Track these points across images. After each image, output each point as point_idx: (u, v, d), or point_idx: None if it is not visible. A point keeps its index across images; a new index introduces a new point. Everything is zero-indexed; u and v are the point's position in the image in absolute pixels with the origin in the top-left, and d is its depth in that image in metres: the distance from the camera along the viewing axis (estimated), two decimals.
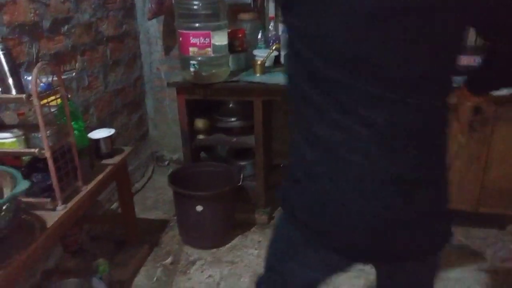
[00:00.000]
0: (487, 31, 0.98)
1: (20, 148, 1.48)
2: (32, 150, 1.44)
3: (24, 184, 1.26)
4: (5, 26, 1.71)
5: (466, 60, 1.99)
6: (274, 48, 2.38)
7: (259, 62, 2.32)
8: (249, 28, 2.55)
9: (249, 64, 2.44)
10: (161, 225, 2.55)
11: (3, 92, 1.40)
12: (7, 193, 1.29)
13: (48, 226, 1.43)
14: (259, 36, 2.53)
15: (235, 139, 2.54)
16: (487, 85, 1.13)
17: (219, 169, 2.49)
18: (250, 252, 2.31)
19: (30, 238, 1.36)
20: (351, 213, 0.94)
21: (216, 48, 2.21)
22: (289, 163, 1.06)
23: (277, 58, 2.46)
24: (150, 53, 3.00)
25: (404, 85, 0.88)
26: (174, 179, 2.31)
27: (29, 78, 1.42)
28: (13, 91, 1.39)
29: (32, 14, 1.86)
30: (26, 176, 1.39)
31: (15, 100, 1.48)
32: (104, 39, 2.48)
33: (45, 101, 1.44)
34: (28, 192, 1.38)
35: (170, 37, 2.89)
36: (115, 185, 2.20)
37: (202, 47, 2.19)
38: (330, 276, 1.16)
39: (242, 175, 2.48)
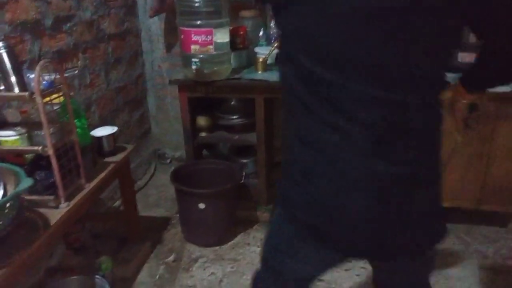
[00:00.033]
0: (481, 29, 0.98)
1: (23, 146, 1.48)
2: (35, 148, 1.44)
3: (27, 182, 1.26)
4: (7, 24, 1.71)
5: (468, 58, 1.98)
6: (275, 45, 2.38)
7: (260, 60, 2.32)
8: (250, 26, 2.55)
9: (250, 61, 2.44)
10: (163, 223, 2.55)
11: (6, 90, 1.40)
12: (10, 190, 1.30)
13: (51, 224, 1.43)
14: (261, 34, 2.53)
15: (237, 136, 2.54)
16: (482, 82, 1.14)
17: (221, 166, 2.49)
18: (252, 250, 2.31)
19: (34, 235, 1.36)
20: (349, 212, 0.95)
21: (217, 46, 2.21)
22: (285, 162, 1.07)
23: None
24: (152, 51, 3.00)
25: (401, 85, 0.89)
26: (176, 177, 2.31)
27: (32, 76, 1.42)
28: (16, 89, 1.39)
29: (34, 12, 1.86)
30: (29, 174, 1.39)
31: (18, 98, 1.48)
32: (106, 37, 2.48)
33: (47, 99, 1.45)
34: (31, 190, 1.39)
35: (172, 35, 2.88)
36: (117, 183, 2.20)
37: (203, 44, 2.19)
38: (325, 271, 1.18)
39: (244, 172, 2.48)
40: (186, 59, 2.27)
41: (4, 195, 1.27)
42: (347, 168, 0.93)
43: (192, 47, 2.20)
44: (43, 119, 1.39)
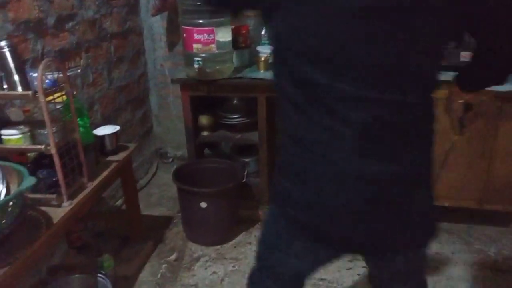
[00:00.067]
0: (480, 29, 0.99)
1: (26, 144, 1.49)
2: (38, 146, 1.45)
3: (30, 180, 1.27)
4: (10, 23, 1.71)
5: (469, 57, 1.98)
6: None
7: (263, 59, 2.31)
8: (252, 24, 2.55)
9: (253, 60, 2.44)
10: (165, 222, 2.56)
11: (9, 89, 1.40)
12: (13, 189, 1.30)
13: (53, 222, 1.44)
14: (263, 32, 2.53)
15: (239, 135, 2.54)
16: (476, 82, 1.15)
17: (223, 165, 2.49)
18: (254, 249, 2.29)
19: (36, 234, 1.37)
20: (339, 211, 0.97)
21: (220, 45, 2.21)
22: (279, 160, 1.08)
23: None
24: (154, 50, 3.00)
25: (392, 85, 0.89)
26: (178, 176, 2.32)
27: (35, 75, 1.42)
28: (19, 88, 1.40)
29: (36, 11, 1.86)
30: (32, 173, 1.40)
31: (21, 97, 1.49)
32: (108, 35, 2.48)
33: (50, 97, 1.45)
34: (34, 189, 1.39)
35: (174, 34, 2.88)
36: (119, 182, 2.21)
37: (206, 43, 2.19)
38: (318, 266, 1.20)
39: (246, 171, 2.48)
40: (188, 58, 2.27)
41: (7, 193, 1.27)
42: (338, 168, 0.94)
43: (194, 46, 2.20)
44: (46, 118, 1.40)
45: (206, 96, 2.38)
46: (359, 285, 2.04)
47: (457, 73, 1.17)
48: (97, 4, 2.34)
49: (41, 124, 1.46)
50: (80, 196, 1.60)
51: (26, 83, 1.41)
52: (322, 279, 2.06)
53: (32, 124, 1.52)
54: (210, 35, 2.17)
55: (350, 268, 2.10)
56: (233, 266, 2.18)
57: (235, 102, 2.66)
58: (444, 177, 2.26)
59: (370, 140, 0.92)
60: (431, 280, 2.02)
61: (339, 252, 1.14)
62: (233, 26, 2.34)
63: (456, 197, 2.32)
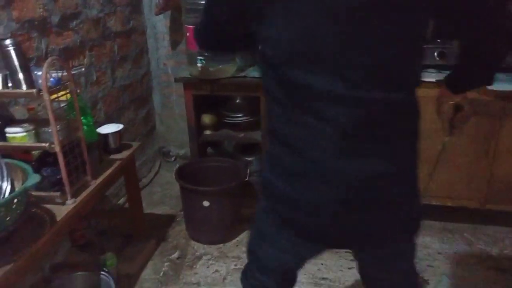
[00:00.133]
0: (454, 26, 1.01)
1: (30, 142, 1.49)
2: (43, 144, 1.45)
3: (35, 178, 1.27)
4: (15, 22, 1.72)
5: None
6: None
7: None
8: None
9: (256, 59, 2.44)
10: (168, 220, 2.56)
11: (14, 87, 1.41)
12: (18, 186, 1.30)
13: (57, 220, 1.44)
14: None
15: (242, 134, 2.54)
16: (463, 83, 1.15)
17: (226, 164, 2.49)
18: None
19: (40, 231, 1.37)
20: (319, 206, 0.99)
21: None
22: (266, 156, 1.11)
23: None
24: (157, 49, 3.01)
25: (370, 83, 0.90)
26: (181, 175, 2.32)
27: (39, 73, 1.43)
28: (24, 86, 1.40)
29: (41, 10, 1.87)
30: (36, 170, 1.40)
31: (25, 95, 1.49)
32: (112, 34, 2.49)
33: (54, 96, 1.45)
34: (38, 186, 1.40)
35: (177, 32, 2.89)
36: (122, 180, 2.21)
37: None
38: (304, 261, 1.22)
39: (248, 170, 2.48)
40: (192, 57, 2.27)
41: (12, 191, 1.28)
42: (319, 165, 0.96)
43: None
44: (50, 116, 1.40)
45: (209, 95, 2.38)
46: (361, 285, 2.04)
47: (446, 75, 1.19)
48: (101, 3, 2.35)
49: (45, 122, 1.47)
50: (84, 194, 1.60)
51: (30, 82, 1.41)
52: (324, 278, 2.06)
53: (37, 122, 1.53)
54: None
55: (352, 268, 2.10)
56: (235, 265, 2.18)
57: (238, 101, 2.66)
58: (446, 177, 2.26)
59: (351, 138, 0.93)
60: (433, 280, 2.03)
61: (322, 247, 1.18)
62: None
63: (459, 197, 2.33)
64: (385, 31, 0.87)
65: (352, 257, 2.13)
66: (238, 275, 2.10)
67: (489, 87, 2.00)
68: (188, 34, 2.24)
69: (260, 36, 0.94)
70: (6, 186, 1.28)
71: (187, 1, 2.24)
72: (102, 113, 2.41)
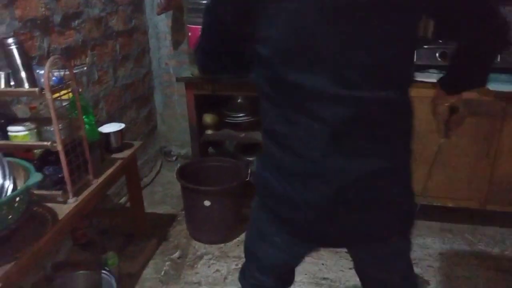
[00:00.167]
0: (448, 26, 1.02)
1: (32, 141, 1.50)
2: (45, 143, 1.46)
3: (37, 177, 1.28)
4: (17, 21, 1.72)
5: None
6: None
7: None
8: None
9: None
10: (169, 220, 2.57)
11: (16, 85, 1.41)
12: (20, 185, 1.31)
13: (59, 219, 1.44)
14: None
15: (243, 134, 2.55)
16: (459, 84, 1.16)
17: (227, 164, 2.50)
18: None
19: (42, 230, 1.38)
20: (309, 205, 1.00)
21: None
22: (261, 154, 1.11)
23: None
24: (159, 48, 3.01)
25: (362, 82, 0.90)
26: (182, 174, 2.32)
27: (41, 72, 1.43)
28: (26, 85, 1.41)
29: (43, 9, 1.87)
30: (38, 169, 1.41)
31: (28, 94, 1.50)
32: (114, 34, 2.49)
33: (57, 95, 1.46)
34: (40, 185, 1.40)
35: (179, 32, 2.89)
36: (124, 180, 2.22)
37: None
38: (298, 259, 1.23)
39: (249, 170, 2.48)
40: (193, 57, 2.27)
41: (14, 189, 1.28)
42: (311, 164, 0.96)
43: None
44: (52, 115, 1.41)
45: (211, 94, 2.39)
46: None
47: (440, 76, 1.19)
48: (103, 2, 2.35)
49: (47, 121, 1.47)
50: (86, 193, 1.61)
51: (33, 80, 1.42)
52: (324, 278, 2.06)
53: (39, 121, 1.53)
54: None
55: (353, 268, 2.09)
56: (236, 265, 2.18)
57: (239, 101, 2.66)
58: (447, 178, 2.26)
59: (350, 138, 0.93)
60: (434, 281, 2.03)
61: (315, 245, 1.19)
62: None
63: (459, 198, 2.33)
64: (385, 31, 0.87)
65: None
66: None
67: (492, 88, 2.00)
68: (190, 34, 2.24)
69: (259, 36, 0.94)
70: (8, 185, 1.28)
71: (189, 0, 2.24)
72: (104, 112, 2.42)
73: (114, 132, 1.96)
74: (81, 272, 1.82)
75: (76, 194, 1.56)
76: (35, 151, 1.61)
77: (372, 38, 0.87)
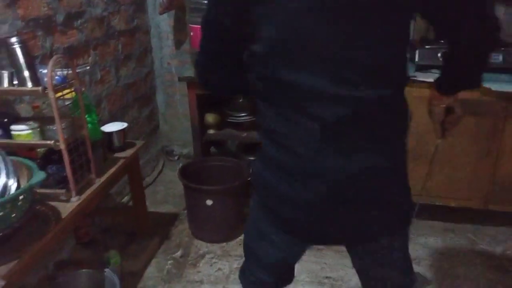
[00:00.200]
0: (440, 29, 1.03)
1: (35, 140, 1.50)
2: (48, 142, 1.46)
3: (40, 175, 1.28)
4: (20, 20, 1.73)
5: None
6: None
7: None
8: None
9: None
10: (171, 219, 2.57)
11: (20, 85, 1.42)
12: (23, 184, 1.31)
13: (62, 217, 1.45)
14: None
15: (245, 134, 2.55)
16: (452, 85, 1.15)
17: (229, 163, 2.50)
18: None
19: (45, 228, 1.38)
20: (303, 203, 1.00)
21: None
22: (260, 152, 1.11)
23: None
24: (161, 48, 3.01)
25: (357, 81, 0.90)
26: (184, 174, 2.33)
27: (44, 71, 1.44)
28: (29, 84, 1.41)
29: (46, 8, 1.88)
30: (41, 168, 1.41)
31: (31, 93, 1.50)
32: (116, 33, 2.50)
33: (60, 94, 1.46)
34: (43, 184, 1.41)
35: (181, 32, 2.90)
36: (126, 179, 2.22)
37: None
38: (295, 257, 1.23)
39: (251, 169, 2.49)
40: (195, 56, 2.27)
41: (17, 188, 1.29)
42: (306, 162, 0.96)
43: None
44: (55, 114, 1.41)
45: (213, 94, 2.39)
46: None
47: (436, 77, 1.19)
48: (105, 2, 2.36)
49: (50, 120, 1.48)
50: (88, 192, 1.61)
51: (36, 79, 1.42)
52: (327, 277, 2.07)
53: (42, 120, 1.54)
54: None
55: None
56: (238, 263, 2.19)
57: (241, 100, 2.66)
58: (448, 177, 2.26)
59: (343, 136, 0.94)
60: (436, 280, 2.03)
61: (314, 244, 1.21)
62: None
63: (462, 197, 2.32)
64: (385, 31, 0.88)
65: None
66: None
67: (493, 88, 2.00)
68: (192, 34, 2.24)
69: (258, 36, 0.94)
70: (12, 183, 1.28)
71: (191, 0, 2.24)
72: (106, 111, 2.42)
73: (117, 132, 1.97)
74: (83, 270, 1.82)
75: (79, 193, 1.57)
76: (38, 150, 1.62)
77: (372, 38, 0.88)
